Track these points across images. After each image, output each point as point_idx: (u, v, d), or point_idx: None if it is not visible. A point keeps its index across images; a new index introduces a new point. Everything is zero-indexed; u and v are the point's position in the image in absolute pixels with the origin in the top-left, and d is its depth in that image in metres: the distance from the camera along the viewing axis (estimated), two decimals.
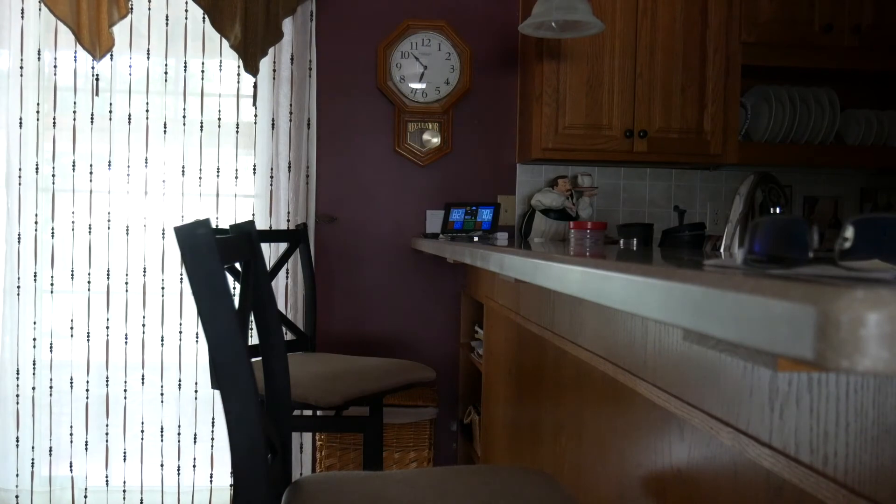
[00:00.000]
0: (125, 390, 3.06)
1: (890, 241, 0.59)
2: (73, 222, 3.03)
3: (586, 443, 1.55)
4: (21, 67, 2.96)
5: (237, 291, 1.36)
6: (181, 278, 3.06)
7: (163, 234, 3.06)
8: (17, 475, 3.02)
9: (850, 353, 0.45)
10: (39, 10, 2.94)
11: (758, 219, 0.70)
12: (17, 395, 3.00)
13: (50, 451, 3.04)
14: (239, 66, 3.04)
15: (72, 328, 3.03)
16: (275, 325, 1.33)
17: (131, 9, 2.97)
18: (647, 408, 1.21)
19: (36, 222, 3.00)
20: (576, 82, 2.93)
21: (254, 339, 1.49)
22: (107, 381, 3.05)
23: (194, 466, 3.09)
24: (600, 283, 0.90)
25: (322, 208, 3.18)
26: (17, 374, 2.99)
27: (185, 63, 3.05)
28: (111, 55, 2.99)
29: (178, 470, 3.09)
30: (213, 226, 1.03)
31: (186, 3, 3.02)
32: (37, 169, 2.99)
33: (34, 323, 3.01)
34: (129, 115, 3.04)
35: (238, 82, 3.07)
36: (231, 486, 3.04)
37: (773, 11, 2.98)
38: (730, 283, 0.59)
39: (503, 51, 3.24)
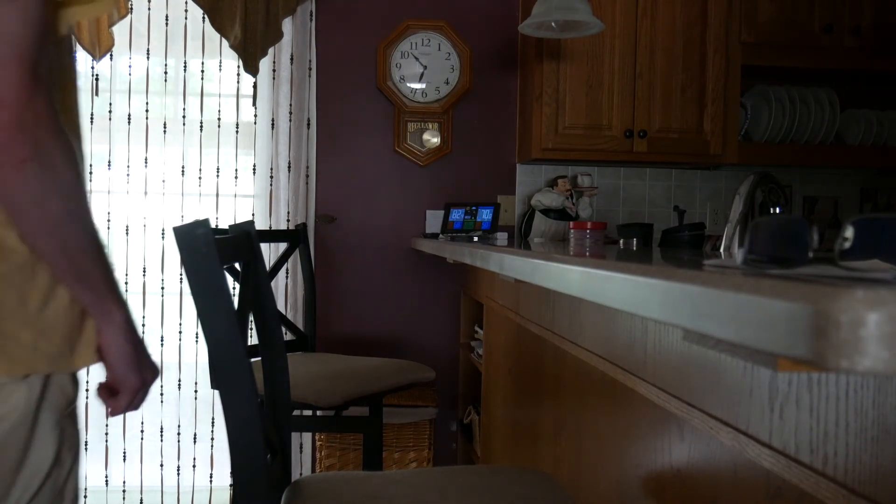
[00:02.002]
0: None
1: (890, 241, 0.59)
2: None
3: (586, 443, 1.55)
4: None
5: (237, 291, 1.36)
6: (181, 278, 3.05)
7: (162, 234, 3.06)
8: None
9: (850, 353, 0.45)
10: None
11: (758, 219, 0.70)
12: None
13: None
14: (239, 66, 3.04)
15: None
16: (274, 325, 1.33)
17: (131, 9, 2.97)
18: (647, 408, 1.21)
19: None
20: (576, 82, 2.93)
21: (254, 339, 1.49)
22: None
23: (194, 466, 3.09)
24: (600, 283, 0.90)
25: (322, 208, 3.18)
26: None
27: (185, 63, 3.05)
28: (111, 55, 2.98)
29: (178, 470, 3.09)
30: (213, 226, 1.03)
31: (186, 3, 3.02)
32: None
33: None
34: (129, 115, 3.04)
35: (238, 82, 3.07)
36: (231, 486, 3.04)
37: (773, 11, 2.98)
38: (730, 283, 0.59)
39: (503, 51, 3.24)
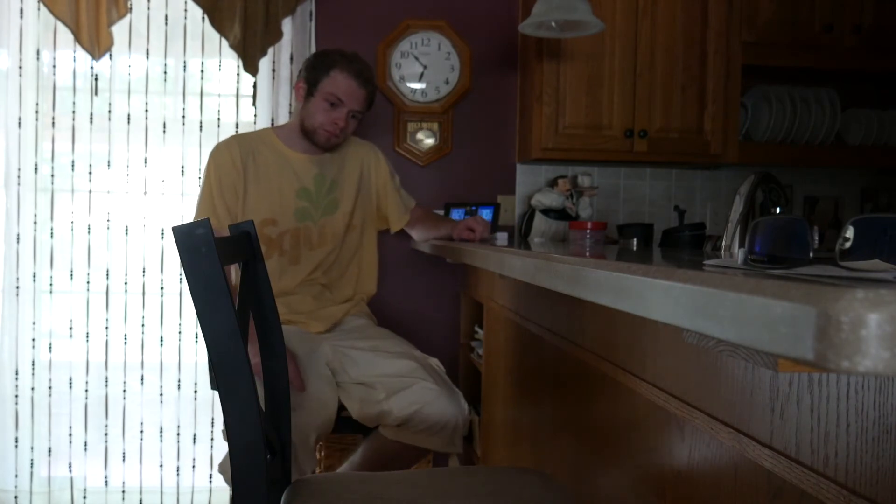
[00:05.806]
0: (124, 391, 3.06)
1: (890, 241, 0.59)
2: (72, 222, 3.02)
3: (586, 443, 1.55)
4: (20, 67, 2.95)
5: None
6: (181, 278, 3.05)
7: (162, 234, 3.06)
8: (16, 476, 3.02)
9: (850, 354, 0.45)
10: (38, 9, 2.94)
11: (758, 219, 0.70)
12: (16, 396, 3.00)
13: (49, 451, 3.04)
14: (238, 66, 3.04)
15: (71, 328, 3.03)
16: (274, 325, 1.33)
17: (130, 8, 2.97)
18: (647, 408, 1.21)
19: (35, 222, 2.99)
20: (576, 82, 2.93)
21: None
22: (106, 381, 3.04)
23: (194, 467, 3.09)
24: (600, 284, 0.90)
25: None
26: (16, 374, 2.99)
27: (185, 63, 3.05)
28: (110, 55, 2.98)
29: (178, 470, 3.09)
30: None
31: (186, 2, 3.02)
32: (36, 169, 2.99)
33: (33, 323, 3.00)
34: (129, 115, 3.03)
35: (237, 82, 3.07)
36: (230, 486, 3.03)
37: (773, 11, 2.98)
38: (730, 283, 0.58)
39: (503, 51, 3.24)
